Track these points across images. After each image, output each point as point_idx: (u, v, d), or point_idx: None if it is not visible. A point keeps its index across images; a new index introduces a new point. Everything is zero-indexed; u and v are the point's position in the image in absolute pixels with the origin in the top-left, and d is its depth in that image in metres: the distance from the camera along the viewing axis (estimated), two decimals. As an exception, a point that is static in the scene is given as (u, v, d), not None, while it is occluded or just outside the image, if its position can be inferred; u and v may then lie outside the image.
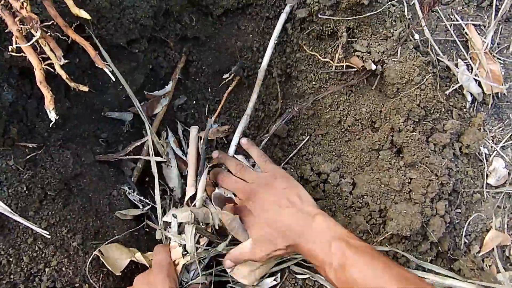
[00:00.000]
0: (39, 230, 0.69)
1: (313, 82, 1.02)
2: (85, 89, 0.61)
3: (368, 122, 1.02)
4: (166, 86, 0.92)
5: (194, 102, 1.05)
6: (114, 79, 0.63)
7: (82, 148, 0.85)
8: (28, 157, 0.72)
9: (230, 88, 0.96)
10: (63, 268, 0.74)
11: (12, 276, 0.70)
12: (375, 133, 1.00)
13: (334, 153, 1.05)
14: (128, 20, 0.77)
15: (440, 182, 0.98)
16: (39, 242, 0.73)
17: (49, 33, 0.58)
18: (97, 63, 0.60)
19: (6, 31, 0.57)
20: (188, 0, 0.89)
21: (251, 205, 0.76)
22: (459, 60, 1.08)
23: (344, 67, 0.97)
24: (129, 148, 0.92)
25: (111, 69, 0.61)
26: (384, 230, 0.93)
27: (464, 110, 1.09)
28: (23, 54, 0.58)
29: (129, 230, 0.87)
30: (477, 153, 1.10)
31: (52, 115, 0.57)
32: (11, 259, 0.70)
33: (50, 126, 0.76)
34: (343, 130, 1.05)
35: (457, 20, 1.07)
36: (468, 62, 1.08)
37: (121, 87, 0.91)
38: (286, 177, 0.80)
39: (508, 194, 1.16)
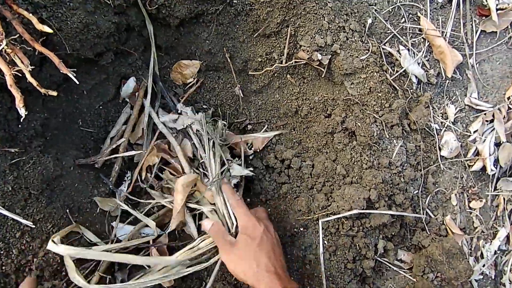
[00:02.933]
0: (24, 221, 0.78)
1: (268, 78, 1.13)
2: (54, 93, 0.71)
3: (321, 109, 1.12)
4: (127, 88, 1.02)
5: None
6: (78, 83, 0.72)
7: (62, 153, 0.95)
8: (12, 161, 0.82)
9: (191, 90, 1.07)
10: (50, 259, 0.83)
11: (3, 268, 0.78)
12: (328, 119, 1.10)
13: (294, 141, 1.15)
14: (93, 36, 0.89)
15: (389, 161, 1.07)
16: (27, 236, 0.82)
17: (17, 46, 0.69)
18: (62, 69, 0.71)
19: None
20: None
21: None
22: (400, 46, 1.19)
23: (293, 61, 1.08)
24: (106, 151, 1.01)
25: (75, 75, 0.71)
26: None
27: (411, 91, 1.19)
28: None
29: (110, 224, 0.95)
30: (427, 129, 1.20)
31: (22, 112, 0.68)
32: (1, 252, 0.79)
33: (30, 133, 0.87)
34: (300, 119, 1.15)
35: (395, 11, 1.19)
36: (409, 47, 1.19)
37: (94, 96, 1.02)
38: None
39: (463, 165, 1.25)
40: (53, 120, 0.91)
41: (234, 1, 0.98)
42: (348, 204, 1.01)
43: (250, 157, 1.14)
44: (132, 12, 0.93)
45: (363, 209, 1.01)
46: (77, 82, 0.73)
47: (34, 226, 0.80)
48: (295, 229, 1.08)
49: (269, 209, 1.11)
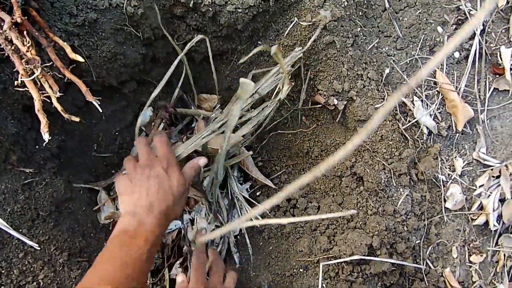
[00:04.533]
0: (30, 243, 0.78)
1: (283, 118, 1.15)
2: (77, 119, 0.72)
3: (332, 152, 1.14)
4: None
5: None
6: (101, 111, 0.74)
7: (74, 176, 0.95)
8: (25, 181, 0.82)
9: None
10: (49, 282, 0.82)
11: (3, 287, 0.78)
12: (338, 162, 1.11)
13: (303, 181, 1.16)
14: (119, 65, 0.90)
15: (394, 209, 1.08)
16: (29, 257, 0.81)
17: (49, 73, 0.70)
18: (88, 97, 0.72)
19: (14, 71, 0.69)
20: (173, 48, 1.02)
21: None
22: (414, 97, 1.21)
23: (310, 106, 1.10)
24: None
25: (99, 103, 0.72)
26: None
27: (421, 141, 1.21)
28: (26, 89, 0.70)
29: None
30: (434, 179, 1.21)
31: (46, 137, 0.69)
32: (2, 271, 0.78)
33: (46, 155, 0.88)
34: (310, 160, 1.16)
35: (413, 64, 1.22)
36: (422, 99, 1.21)
37: (112, 122, 1.03)
38: None
39: (467, 218, 1.26)
40: (69, 142, 0.92)
41: (259, 42, 1.00)
42: (350, 249, 1.01)
43: (257, 194, 1.14)
44: (159, 44, 0.95)
45: (364, 255, 1.01)
46: (101, 110, 0.74)
47: (39, 248, 0.80)
48: (294, 270, 1.07)
49: (270, 247, 1.11)
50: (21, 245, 0.81)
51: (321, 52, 1.02)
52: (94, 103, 0.75)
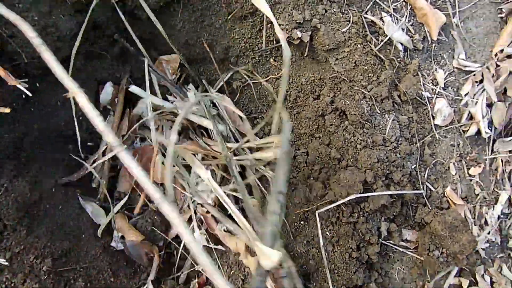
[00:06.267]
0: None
1: (252, 65, 1.05)
2: (6, 110, 0.62)
3: (309, 92, 1.06)
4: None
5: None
6: (30, 94, 0.64)
7: (41, 174, 0.86)
8: (-21, 192, 0.73)
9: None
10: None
11: (-15, 311, 0.71)
12: (317, 101, 1.04)
13: (286, 128, 1.08)
14: (53, 40, 0.79)
15: (383, 138, 1.02)
16: (6, 273, 0.73)
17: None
18: (8, 81, 0.61)
19: None
20: (114, 9, 0.89)
21: None
22: (382, 13, 1.13)
23: (275, 43, 1.00)
24: (94, 164, 0.92)
25: (26, 86, 0.62)
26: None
27: (398, 59, 1.13)
28: None
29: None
30: (418, 98, 1.15)
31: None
32: (-21, 294, 0.71)
33: (0, 157, 0.78)
34: (290, 104, 1.08)
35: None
36: (391, 13, 1.13)
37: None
38: None
39: (459, 131, 1.21)
40: (28, 137, 0.81)
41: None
42: (344, 190, 0.95)
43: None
44: (96, 8, 0.82)
45: (360, 193, 0.95)
46: (30, 94, 0.64)
47: (7, 264, 0.72)
48: (295, 224, 1.02)
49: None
50: (-5, 262, 0.73)
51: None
52: (20, 87, 0.64)
